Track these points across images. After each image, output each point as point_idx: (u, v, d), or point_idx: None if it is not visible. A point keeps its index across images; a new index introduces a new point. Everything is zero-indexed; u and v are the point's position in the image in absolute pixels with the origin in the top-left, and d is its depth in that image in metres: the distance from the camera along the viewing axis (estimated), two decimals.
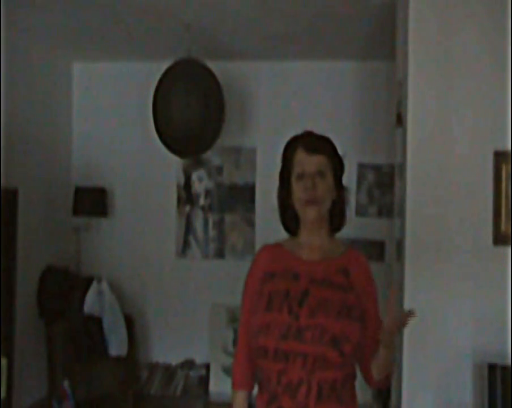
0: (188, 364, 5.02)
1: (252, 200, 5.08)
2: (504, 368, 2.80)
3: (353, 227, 4.69)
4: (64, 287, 4.67)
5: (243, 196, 5.10)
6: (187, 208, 5.18)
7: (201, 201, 5.17)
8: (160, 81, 4.07)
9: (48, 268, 4.71)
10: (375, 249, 4.83)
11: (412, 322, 1.53)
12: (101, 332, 4.59)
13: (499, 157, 2.95)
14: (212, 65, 4.18)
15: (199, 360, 5.05)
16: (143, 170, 5.20)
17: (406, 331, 2.96)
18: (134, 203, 5.23)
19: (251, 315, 1.71)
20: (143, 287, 5.19)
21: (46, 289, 4.62)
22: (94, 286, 4.65)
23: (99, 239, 5.24)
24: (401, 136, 3.21)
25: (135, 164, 5.22)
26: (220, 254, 5.14)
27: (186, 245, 5.18)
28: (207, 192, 5.16)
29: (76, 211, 4.94)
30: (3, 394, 3.65)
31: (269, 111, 5.04)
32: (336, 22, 3.97)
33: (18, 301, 4.06)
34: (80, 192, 4.96)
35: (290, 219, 1.78)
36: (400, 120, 3.23)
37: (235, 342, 1.89)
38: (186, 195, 5.18)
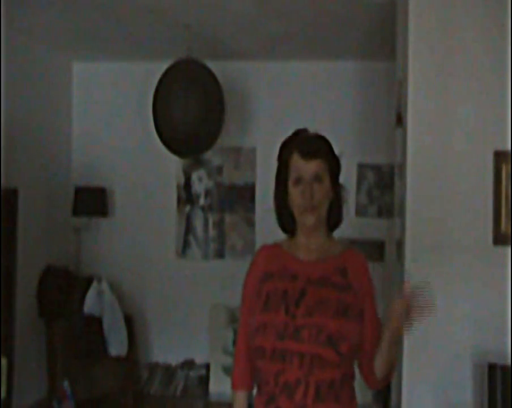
0: (188, 364, 5.01)
1: (252, 200, 5.08)
2: (504, 368, 2.80)
3: (353, 227, 4.70)
4: (64, 287, 4.67)
5: (243, 196, 5.10)
6: (187, 208, 5.18)
7: (201, 201, 5.17)
8: (160, 81, 4.07)
9: (48, 268, 4.71)
10: (375, 249, 4.83)
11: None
12: (101, 332, 4.59)
13: (499, 157, 2.94)
14: (212, 65, 4.19)
15: (199, 360, 5.05)
16: (143, 170, 5.20)
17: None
18: (134, 203, 5.23)
19: (249, 315, 1.71)
20: (143, 287, 5.19)
21: (46, 289, 4.62)
22: (94, 286, 4.64)
23: (99, 239, 5.24)
24: (401, 136, 3.21)
25: (135, 164, 5.22)
26: (220, 254, 5.14)
27: (186, 245, 5.18)
28: (207, 192, 5.16)
29: (76, 211, 4.94)
30: (3, 394, 3.66)
31: (269, 111, 5.04)
32: (336, 22, 3.97)
33: (18, 301, 4.06)
34: (80, 192, 4.96)
35: (287, 220, 1.78)
36: (400, 120, 3.23)
37: (235, 342, 1.89)
38: (186, 195, 5.18)
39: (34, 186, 4.60)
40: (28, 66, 4.57)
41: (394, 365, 1.71)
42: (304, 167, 1.69)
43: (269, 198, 1.83)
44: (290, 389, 1.58)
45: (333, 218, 1.77)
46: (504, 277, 2.92)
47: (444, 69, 3.00)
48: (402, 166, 3.16)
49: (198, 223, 5.17)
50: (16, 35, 4.29)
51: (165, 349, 5.14)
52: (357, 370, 1.73)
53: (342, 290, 1.66)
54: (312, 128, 1.81)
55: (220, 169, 5.14)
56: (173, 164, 5.08)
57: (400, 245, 3.18)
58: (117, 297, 4.78)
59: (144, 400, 4.80)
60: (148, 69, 4.89)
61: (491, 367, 2.82)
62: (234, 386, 1.82)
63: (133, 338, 4.87)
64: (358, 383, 1.73)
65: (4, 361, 3.69)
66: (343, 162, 1.78)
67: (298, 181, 1.69)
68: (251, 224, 5.08)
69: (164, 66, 4.12)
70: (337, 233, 1.81)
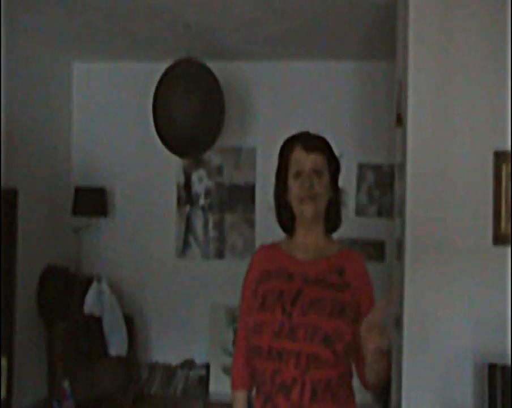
0: (188, 364, 5.02)
1: (252, 200, 5.08)
2: (504, 368, 2.80)
3: (353, 227, 4.71)
4: (64, 287, 4.67)
5: (243, 196, 5.10)
6: (187, 208, 5.18)
7: (201, 201, 5.17)
8: (160, 81, 4.07)
9: (48, 268, 4.71)
10: (375, 249, 4.83)
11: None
12: (101, 332, 4.59)
13: (499, 157, 2.95)
14: (212, 65, 4.18)
15: (199, 360, 5.05)
16: (142, 170, 5.20)
17: (407, 331, 2.96)
18: (134, 203, 5.23)
19: (248, 315, 1.72)
20: (143, 287, 5.19)
21: (46, 289, 4.62)
22: (94, 286, 4.64)
23: (99, 239, 5.24)
24: (401, 136, 3.21)
25: (135, 164, 5.22)
26: (220, 254, 5.14)
27: (186, 245, 5.18)
28: (207, 192, 5.16)
29: (76, 211, 4.94)
30: (3, 394, 3.66)
31: (269, 111, 5.04)
32: (336, 22, 3.97)
33: (18, 301, 4.06)
34: (80, 192, 4.96)
35: (286, 217, 1.78)
36: (400, 120, 3.23)
37: (234, 342, 1.89)
38: (186, 195, 5.18)
39: (34, 186, 4.60)
40: (28, 66, 4.57)
41: (382, 377, 1.62)
42: (305, 159, 1.70)
43: (269, 198, 1.83)
44: (286, 389, 1.58)
45: (332, 219, 1.77)
46: (504, 277, 2.92)
47: (444, 69, 3.00)
48: (402, 166, 3.16)
49: (198, 223, 5.17)
50: (16, 35, 4.29)
51: (165, 349, 5.14)
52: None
53: (339, 289, 1.66)
54: (312, 128, 1.82)
55: (220, 169, 5.14)
56: (173, 164, 5.08)
57: (400, 245, 3.18)
58: (117, 297, 4.79)
59: (144, 400, 4.81)
60: (148, 69, 4.89)
61: (491, 367, 2.82)
62: (233, 386, 1.83)
63: (133, 338, 4.87)
64: (358, 383, 1.72)
65: (4, 361, 3.68)
66: (343, 163, 1.79)
67: (298, 174, 1.71)
68: (251, 224, 5.08)
69: (164, 66, 4.12)
70: (337, 233, 1.81)
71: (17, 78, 4.40)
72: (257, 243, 4.90)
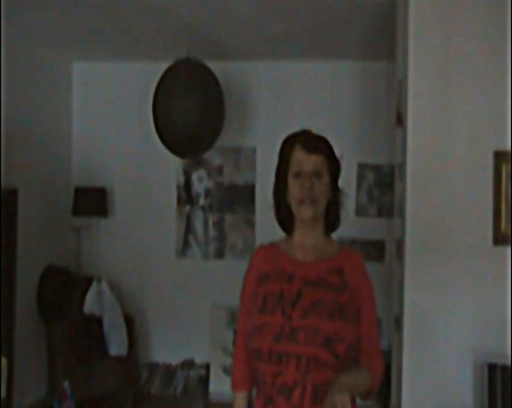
0: (188, 364, 5.01)
1: (252, 200, 5.08)
2: (504, 368, 2.80)
3: (353, 227, 4.70)
4: (64, 287, 4.67)
5: (243, 196, 5.10)
6: (187, 208, 5.18)
7: (201, 201, 5.17)
8: (160, 81, 4.07)
9: (48, 268, 4.71)
10: (375, 249, 4.83)
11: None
12: (101, 332, 4.59)
13: (499, 157, 2.95)
14: (212, 65, 4.18)
15: (199, 360, 5.05)
16: (143, 170, 5.20)
17: (407, 331, 2.97)
18: (134, 203, 5.23)
19: (247, 317, 1.71)
20: (143, 286, 5.19)
21: (46, 289, 4.62)
22: (94, 286, 4.64)
23: (99, 239, 5.24)
24: (401, 136, 3.21)
25: (135, 164, 5.22)
26: (220, 254, 5.14)
27: (186, 245, 5.18)
28: (207, 192, 5.16)
29: (76, 211, 4.94)
30: (3, 394, 3.65)
31: (269, 111, 5.04)
32: (336, 22, 3.97)
33: (18, 301, 4.06)
34: (80, 192, 4.96)
35: (285, 217, 1.78)
36: (400, 120, 3.23)
37: (234, 342, 1.88)
38: (186, 195, 5.18)
39: (34, 186, 4.60)
40: (28, 66, 4.57)
41: (368, 389, 1.73)
42: (305, 160, 1.69)
43: (269, 197, 1.83)
44: (287, 391, 1.58)
45: (331, 219, 1.77)
46: (504, 277, 2.92)
47: (444, 69, 3.00)
48: (402, 166, 3.16)
49: (198, 223, 5.17)
50: (16, 35, 4.29)
51: (165, 349, 5.14)
52: None
53: (338, 290, 1.66)
54: (312, 128, 1.81)
55: (220, 169, 5.14)
56: (173, 164, 5.08)
57: (400, 245, 3.18)
58: (117, 297, 4.78)
59: (144, 400, 4.81)
60: (148, 69, 4.89)
61: (491, 367, 2.82)
62: (233, 387, 1.83)
63: (133, 338, 4.87)
64: None
65: (4, 361, 3.68)
66: (343, 163, 1.78)
67: (298, 174, 1.70)
68: (251, 224, 5.08)
69: (164, 66, 4.12)
70: (337, 233, 1.81)
71: (17, 78, 4.40)
72: (257, 243, 4.90)
